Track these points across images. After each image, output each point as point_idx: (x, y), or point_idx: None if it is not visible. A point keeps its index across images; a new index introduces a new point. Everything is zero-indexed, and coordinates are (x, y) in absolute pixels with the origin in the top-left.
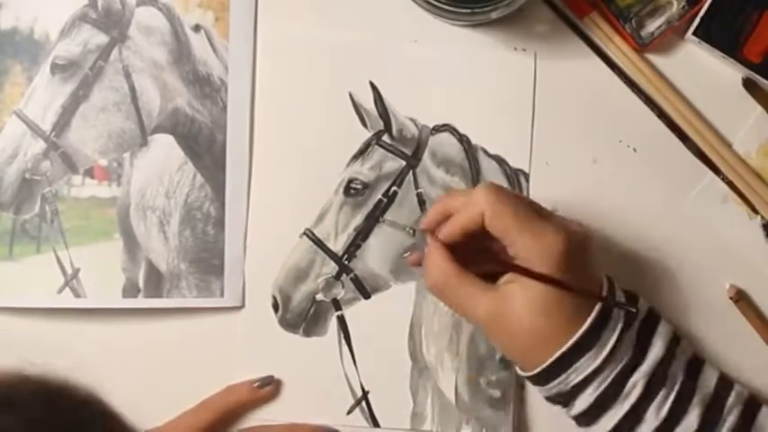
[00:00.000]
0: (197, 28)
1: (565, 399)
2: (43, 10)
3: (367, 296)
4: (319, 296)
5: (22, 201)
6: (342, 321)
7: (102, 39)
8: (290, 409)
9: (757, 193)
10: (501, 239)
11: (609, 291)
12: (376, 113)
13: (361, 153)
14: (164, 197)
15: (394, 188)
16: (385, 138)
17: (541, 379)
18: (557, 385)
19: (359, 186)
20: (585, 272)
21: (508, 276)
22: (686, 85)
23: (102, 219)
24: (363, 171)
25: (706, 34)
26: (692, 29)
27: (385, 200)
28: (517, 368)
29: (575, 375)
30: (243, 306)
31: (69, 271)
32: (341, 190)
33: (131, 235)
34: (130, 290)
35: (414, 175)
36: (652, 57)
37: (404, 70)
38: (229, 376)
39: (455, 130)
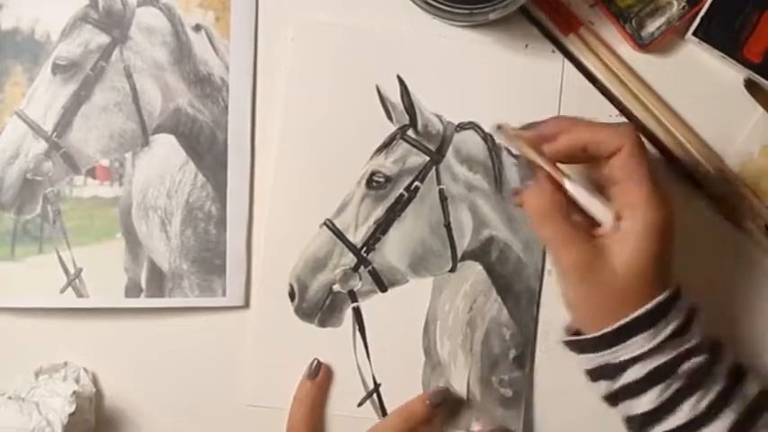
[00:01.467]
0: (198, 28)
1: (607, 372)
2: (44, 10)
3: (384, 289)
4: (336, 287)
5: (24, 201)
6: (357, 313)
7: (103, 39)
8: None
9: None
10: (613, 182)
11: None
12: (402, 107)
13: (386, 146)
14: (165, 197)
15: (416, 183)
16: (410, 132)
17: (596, 345)
18: (606, 355)
19: (381, 179)
20: (670, 252)
21: (606, 232)
22: (686, 86)
23: (104, 219)
24: (387, 164)
25: (706, 34)
26: (692, 29)
27: (407, 194)
28: (564, 336)
29: (623, 352)
30: (245, 305)
31: (72, 271)
32: (363, 182)
33: (133, 235)
34: (133, 289)
35: (437, 171)
36: (652, 57)
37: (431, 66)
38: (233, 374)
39: (480, 128)
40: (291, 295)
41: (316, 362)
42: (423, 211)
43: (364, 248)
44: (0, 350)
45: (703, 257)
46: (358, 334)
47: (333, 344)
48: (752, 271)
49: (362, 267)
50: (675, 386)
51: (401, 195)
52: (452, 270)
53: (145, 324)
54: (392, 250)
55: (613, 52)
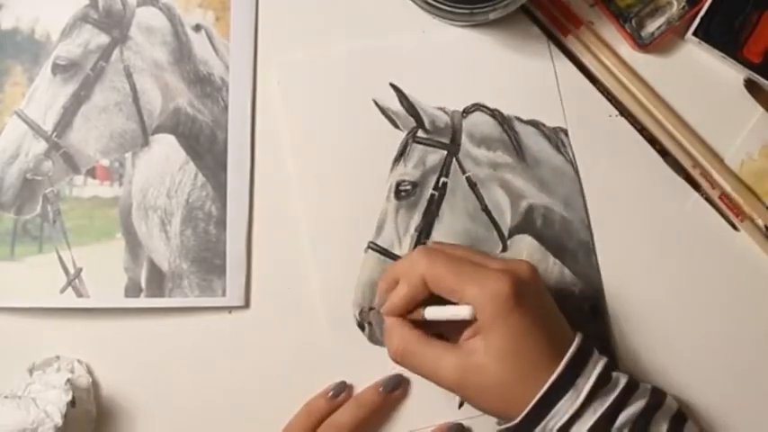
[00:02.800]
0: (198, 28)
1: None
2: (44, 10)
3: None
4: None
5: (24, 201)
6: None
7: (103, 39)
8: (403, 414)
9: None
10: (450, 299)
11: (585, 336)
12: (404, 112)
13: (401, 154)
14: (165, 197)
15: (442, 179)
16: (420, 133)
17: (523, 428)
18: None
19: (408, 187)
20: (542, 310)
21: (468, 331)
22: (686, 86)
23: (104, 219)
24: (408, 171)
25: (706, 34)
26: (692, 29)
27: (437, 193)
28: (498, 424)
29: (554, 422)
30: (245, 305)
31: (71, 271)
32: (392, 195)
33: (133, 235)
34: (133, 289)
35: (458, 161)
36: (652, 57)
37: (420, 63)
38: (232, 374)
39: (485, 106)
40: (361, 326)
41: (342, 383)
42: (457, 203)
43: None
44: (0, 350)
45: (702, 258)
46: None
47: None
48: (752, 272)
49: None
50: None
51: (432, 195)
52: (504, 249)
53: (145, 324)
54: None
55: (613, 52)
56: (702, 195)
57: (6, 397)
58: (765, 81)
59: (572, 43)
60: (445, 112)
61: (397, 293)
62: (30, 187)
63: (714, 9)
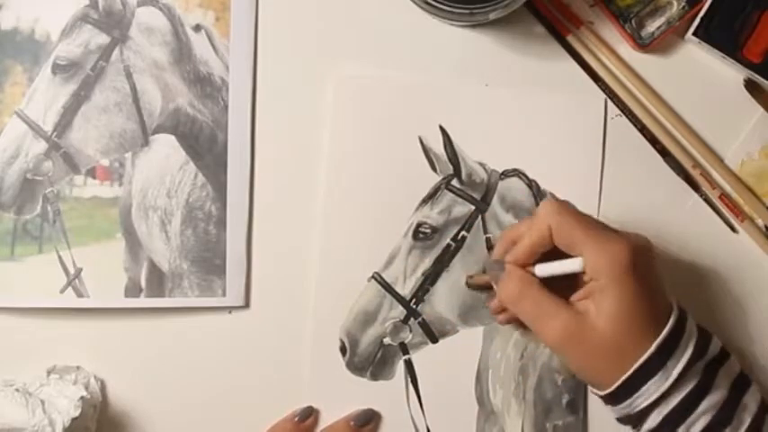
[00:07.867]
0: (198, 28)
1: (633, 421)
2: (44, 10)
3: (434, 340)
4: (387, 340)
5: (24, 201)
6: (409, 365)
7: (103, 39)
8: None
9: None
10: (568, 252)
11: (680, 315)
12: (445, 158)
13: (431, 197)
14: (165, 197)
15: (463, 233)
16: (454, 182)
17: (612, 400)
18: (625, 407)
19: (428, 230)
20: (652, 282)
21: (581, 293)
22: (686, 86)
23: (104, 219)
24: (432, 215)
25: (706, 34)
26: (692, 29)
27: (454, 244)
28: (590, 387)
29: (641, 400)
30: (245, 305)
31: (71, 271)
32: (410, 234)
33: (133, 234)
34: (132, 289)
35: (483, 219)
36: (652, 57)
37: (473, 114)
38: (232, 375)
39: (524, 174)
40: (343, 350)
41: (309, 407)
42: (470, 260)
43: (413, 300)
44: (0, 350)
45: (702, 259)
46: (410, 386)
47: (386, 396)
48: (752, 272)
49: (412, 319)
50: (700, 424)
51: (448, 246)
52: None
53: (145, 324)
54: (441, 301)
55: (613, 52)
56: (702, 196)
57: (18, 390)
58: (765, 81)
59: (572, 43)
60: (484, 169)
61: (521, 244)
62: (30, 187)
63: (714, 9)
